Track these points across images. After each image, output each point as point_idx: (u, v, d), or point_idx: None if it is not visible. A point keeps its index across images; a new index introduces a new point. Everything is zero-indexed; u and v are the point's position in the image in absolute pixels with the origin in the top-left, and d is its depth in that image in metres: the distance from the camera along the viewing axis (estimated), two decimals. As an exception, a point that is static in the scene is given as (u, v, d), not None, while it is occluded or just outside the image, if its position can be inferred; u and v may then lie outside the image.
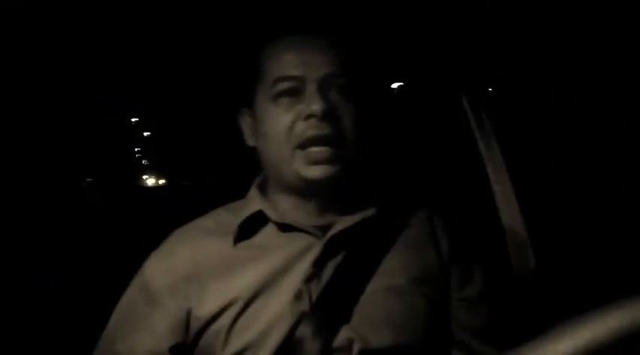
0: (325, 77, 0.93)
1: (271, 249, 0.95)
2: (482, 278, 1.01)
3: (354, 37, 1.04)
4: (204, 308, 0.92)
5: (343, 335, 0.88)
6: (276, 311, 0.89)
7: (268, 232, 0.98)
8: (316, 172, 0.92)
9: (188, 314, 0.94)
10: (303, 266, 0.93)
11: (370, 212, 0.99)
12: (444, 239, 1.01)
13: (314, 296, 0.91)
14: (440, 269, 0.98)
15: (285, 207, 0.99)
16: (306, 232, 0.96)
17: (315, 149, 0.91)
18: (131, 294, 1.00)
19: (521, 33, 1.40)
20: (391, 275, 0.94)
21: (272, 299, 0.91)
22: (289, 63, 0.94)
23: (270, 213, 0.98)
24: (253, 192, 1.04)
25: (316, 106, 0.90)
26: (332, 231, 0.95)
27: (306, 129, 0.92)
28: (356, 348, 0.87)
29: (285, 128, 0.93)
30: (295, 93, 0.93)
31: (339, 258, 0.94)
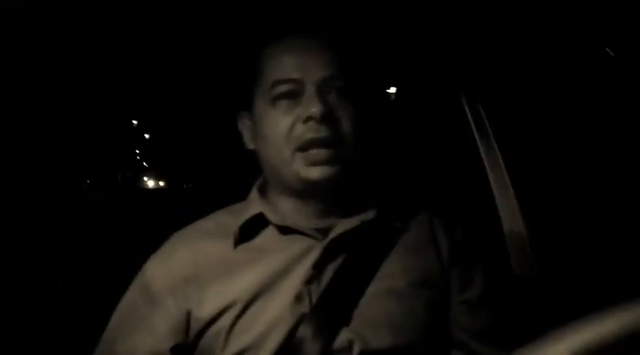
0: (324, 79, 0.93)
1: (271, 251, 0.95)
2: (483, 281, 1.01)
3: (353, 39, 1.04)
4: (204, 310, 0.92)
5: (343, 336, 0.88)
6: (276, 313, 0.89)
7: (268, 234, 0.98)
8: (315, 173, 0.92)
9: (188, 315, 0.94)
10: (304, 269, 0.93)
11: (370, 215, 0.98)
12: (444, 242, 1.01)
13: (314, 298, 0.91)
14: (440, 272, 0.98)
15: (285, 209, 0.99)
16: (307, 235, 0.96)
17: (314, 151, 0.91)
18: (131, 295, 1.00)
19: (520, 33, 1.40)
20: (391, 278, 0.94)
21: (272, 301, 0.91)
22: (288, 66, 0.94)
23: (270, 215, 0.98)
24: (254, 194, 1.04)
25: (315, 109, 0.90)
26: (332, 234, 0.95)
27: (305, 131, 0.92)
28: (356, 349, 0.87)
29: (285, 131, 0.93)
30: (294, 95, 0.93)
31: (339, 261, 0.94)
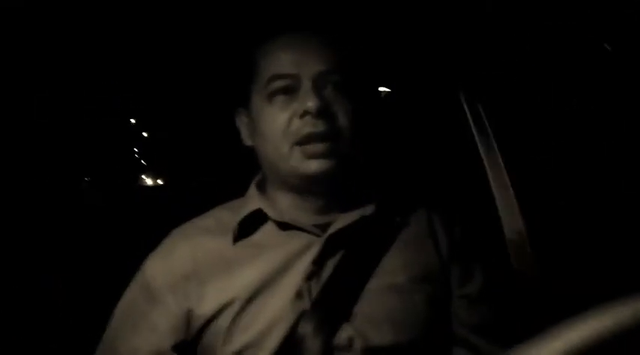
0: (320, 74, 0.93)
1: (271, 247, 0.95)
2: (482, 276, 1.01)
3: (349, 35, 1.04)
4: (205, 307, 0.92)
5: (344, 333, 0.88)
6: (276, 310, 0.90)
7: (267, 230, 0.98)
8: (313, 166, 0.92)
9: (189, 313, 0.94)
10: (303, 265, 0.93)
11: (369, 210, 0.99)
12: (444, 237, 1.02)
13: (314, 295, 0.91)
14: (440, 267, 0.98)
15: (284, 205, 0.99)
16: (306, 231, 0.96)
17: (311, 145, 0.92)
18: (132, 293, 1.00)
19: (520, 32, 1.40)
20: (391, 273, 0.94)
21: (272, 298, 0.91)
22: (284, 61, 0.95)
23: (269, 211, 0.98)
24: (252, 190, 1.04)
25: (311, 103, 0.90)
26: (331, 230, 0.95)
27: (301, 127, 0.92)
28: (357, 346, 0.87)
29: (282, 126, 0.93)
30: (290, 91, 0.94)
31: (338, 256, 0.94)
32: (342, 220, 0.97)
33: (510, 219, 1.60)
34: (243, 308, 0.90)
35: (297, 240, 0.95)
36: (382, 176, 1.23)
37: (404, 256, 0.97)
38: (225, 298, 0.91)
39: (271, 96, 0.95)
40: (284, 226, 0.97)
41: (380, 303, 0.91)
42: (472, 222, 1.10)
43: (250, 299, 0.91)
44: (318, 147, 0.92)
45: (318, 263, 0.93)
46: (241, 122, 1.03)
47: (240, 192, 1.07)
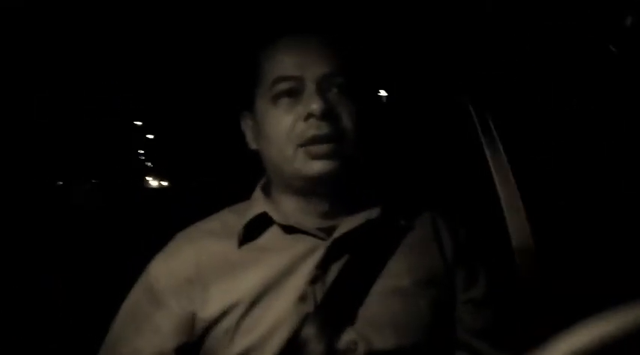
0: (324, 77, 0.93)
1: (275, 250, 0.95)
2: (487, 280, 1.01)
3: (352, 37, 1.04)
4: (209, 310, 0.92)
5: (347, 336, 0.88)
6: (280, 313, 0.89)
7: (272, 234, 0.98)
8: (317, 167, 0.92)
9: (192, 315, 0.94)
10: (308, 268, 0.93)
11: (374, 213, 0.99)
12: (448, 240, 1.01)
13: (318, 298, 0.91)
14: (444, 271, 0.98)
15: (288, 208, 0.99)
16: (311, 234, 0.96)
17: (315, 146, 0.92)
18: (136, 295, 1.00)
19: (524, 35, 1.40)
20: (396, 277, 0.94)
21: (276, 301, 0.91)
22: (288, 63, 0.95)
23: (274, 215, 0.98)
24: (257, 193, 1.04)
25: (315, 106, 0.90)
26: (336, 234, 0.95)
27: (306, 129, 0.92)
28: (360, 350, 0.87)
29: (286, 129, 0.93)
30: (295, 93, 0.94)
31: (343, 260, 0.94)
32: (346, 224, 0.97)
33: (517, 223, 1.59)
34: (246, 312, 0.90)
35: (301, 243, 0.95)
36: (387, 179, 1.22)
37: (408, 260, 0.97)
38: (229, 301, 0.91)
39: (275, 98, 0.95)
40: (289, 230, 0.97)
41: (384, 307, 0.91)
42: (477, 225, 1.10)
43: (254, 303, 0.91)
44: (322, 147, 0.92)
45: (323, 267, 0.93)
46: (246, 125, 1.03)
47: (244, 193, 1.07)
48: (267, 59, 0.98)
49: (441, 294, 0.96)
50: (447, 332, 0.96)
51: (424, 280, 0.95)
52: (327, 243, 0.94)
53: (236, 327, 0.90)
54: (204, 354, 0.94)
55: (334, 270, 0.93)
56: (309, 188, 0.96)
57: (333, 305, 0.90)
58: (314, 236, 0.96)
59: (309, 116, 0.91)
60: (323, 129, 0.91)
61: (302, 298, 0.90)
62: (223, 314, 0.91)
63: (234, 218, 1.01)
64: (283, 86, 0.94)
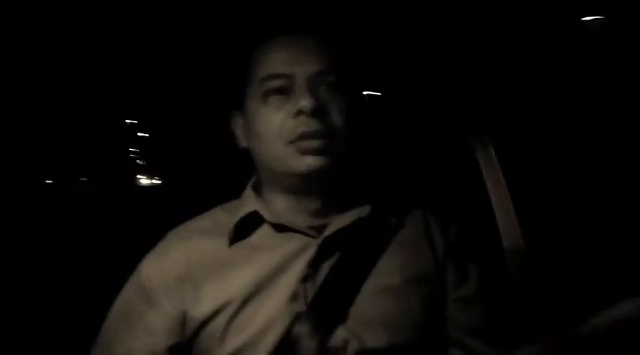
0: (315, 74, 0.93)
1: (266, 249, 0.95)
2: (478, 278, 1.01)
3: (344, 35, 1.04)
4: (200, 309, 0.92)
5: (339, 335, 0.88)
6: (271, 312, 0.89)
7: (263, 233, 0.98)
8: (307, 162, 0.91)
9: (184, 315, 0.94)
10: (299, 267, 0.93)
11: (365, 212, 0.98)
12: (439, 238, 1.01)
13: (310, 297, 0.91)
14: (436, 269, 0.98)
15: (279, 207, 0.99)
16: (301, 233, 0.96)
17: (305, 142, 0.91)
18: (127, 294, 1.00)
19: (520, 36, 1.40)
20: (387, 275, 0.94)
21: (267, 300, 0.91)
22: (278, 61, 0.94)
23: (264, 213, 0.97)
24: (248, 192, 1.04)
25: (305, 103, 0.90)
26: (327, 232, 0.95)
27: (295, 126, 0.92)
28: (352, 348, 0.87)
29: (276, 126, 0.93)
30: (285, 91, 0.94)
31: (334, 259, 0.94)
32: (337, 222, 0.96)
33: (507, 224, 1.60)
34: (238, 310, 0.90)
35: (292, 242, 0.95)
36: (378, 177, 1.22)
37: (400, 258, 0.97)
38: (220, 300, 0.91)
39: (266, 96, 0.94)
40: (280, 228, 0.97)
41: (375, 305, 0.91)
42: (468, 223, 1.10)
43: (246, 301, 0.91)
44: (312, 143, 0.92)
45: (314, 265, 0.93)
46: (236, 124, 1.03)
47: (237, 192, 1.07)
48: (258, 58, 0.98)
49: (433, 292, 0.96)
50: (438, 330, 0.97)
51: (415, 278, 0.95)
52: (318, 241, 0.94)
53: (228, 326, 0.90)
54: (196, 353, 0.94)
55: (325, 269, 0.93)
56: (299, 185, 0.95)
57: (325, 304, 0.90)
58: (305, 234, 0.95)
59: (299, 113, 0.91)
60: (313, 125, 0.91)
61: (293, 296, 0.90)
62: (215, 312, 0.91)
63: (225, 216, 1.01)
64: (274, 84, 0.94)
